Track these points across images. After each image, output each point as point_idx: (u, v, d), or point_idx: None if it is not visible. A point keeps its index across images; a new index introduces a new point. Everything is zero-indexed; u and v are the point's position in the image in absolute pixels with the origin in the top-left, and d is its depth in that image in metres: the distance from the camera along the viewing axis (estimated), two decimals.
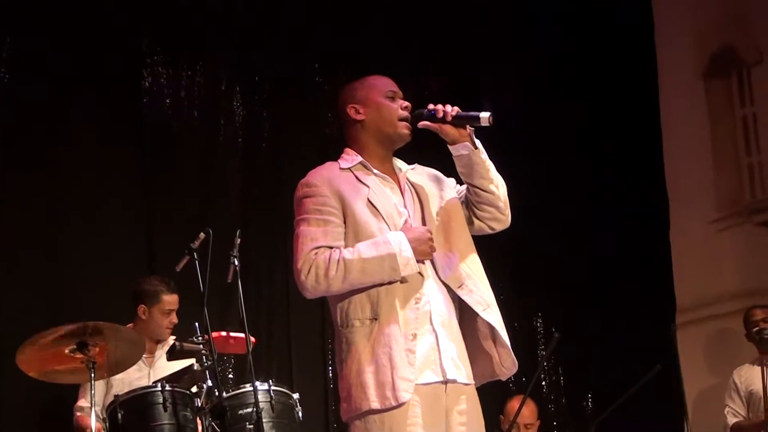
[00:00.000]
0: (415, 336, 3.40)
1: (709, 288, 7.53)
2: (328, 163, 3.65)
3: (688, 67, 7.93)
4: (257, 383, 4.86)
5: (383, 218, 3.50)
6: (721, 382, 6.76)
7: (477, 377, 3.58)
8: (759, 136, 7.63)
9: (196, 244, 4.93)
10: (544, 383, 7.54)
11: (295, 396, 5.11)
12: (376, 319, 3.42)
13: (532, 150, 7.63)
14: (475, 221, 3.65)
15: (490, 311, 3.52)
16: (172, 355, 4.96)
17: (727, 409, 6.47)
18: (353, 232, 3.48)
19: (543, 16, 7.82)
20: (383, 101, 3.62)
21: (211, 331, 4.83)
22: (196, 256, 4.91)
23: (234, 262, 4.88)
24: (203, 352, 4.87)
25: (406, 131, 3.61)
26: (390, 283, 3.43)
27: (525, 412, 6.32)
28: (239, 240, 4.94)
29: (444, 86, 7.51)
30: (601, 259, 7.58)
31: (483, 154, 3.58)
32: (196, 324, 4.93)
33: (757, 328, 6.22)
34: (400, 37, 7.46)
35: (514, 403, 6.44)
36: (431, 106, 3.58)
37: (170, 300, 5.68)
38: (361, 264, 3.39)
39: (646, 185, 7.74)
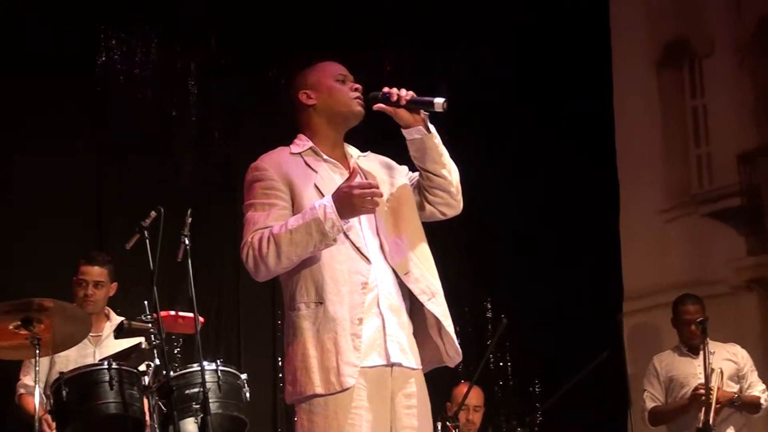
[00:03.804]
0: (361, 320, 3.39)
1: (656, 277, 7.59)
2: (279, 148, 3.65)
3: (641, 56, 7.97)
4: (205, 363, 4.85)
5: None
6: None
7: (425, 363, 3.57)
8: (708, 128, 7.70)
9: (147, 222, 4.90)
10: (491, 367, 7.57)
11: (243, 376, 5.10)
12: (321, 303, 3.40)
13: (482, 131, 7.63)
14: (427, 207, 3.65)
15: (434, 301, 3.52)
16: (120, 333, 4.93)
17: (645, 393, 6.56)
18: None
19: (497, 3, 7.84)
20: (334, 84, 3.62)
21: (160, 310, 4.81)
22: (146, 235, 4.88)
23: (185, 241, 4.87)
24: (151, 330, 4.84)
25: (360, 108, 3.60)
26: (335, 266, 3.41)
27: (472, 395, 6.37)
28: (190, 219, 4.93)
29: (403, 64, 7.52)
30: (550, 245, 7.62)
31: (436, 138, 3.57)
32: (145, 302, 4.91)
33: (700, 318, 6.29)
34: (358, 19, 7.45)
35: (460, 389, 6.49)
36: (386, 90, 3.56)
37: (85, 270, 5.67)
38: (289, 235, 3.36)
39: (597, 173, 7.78)
